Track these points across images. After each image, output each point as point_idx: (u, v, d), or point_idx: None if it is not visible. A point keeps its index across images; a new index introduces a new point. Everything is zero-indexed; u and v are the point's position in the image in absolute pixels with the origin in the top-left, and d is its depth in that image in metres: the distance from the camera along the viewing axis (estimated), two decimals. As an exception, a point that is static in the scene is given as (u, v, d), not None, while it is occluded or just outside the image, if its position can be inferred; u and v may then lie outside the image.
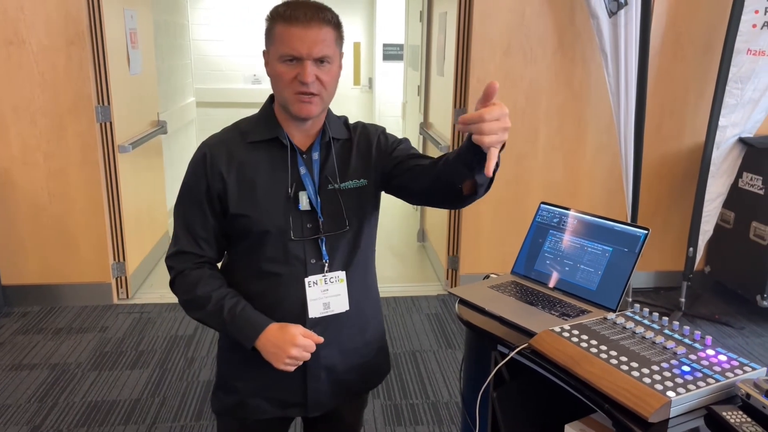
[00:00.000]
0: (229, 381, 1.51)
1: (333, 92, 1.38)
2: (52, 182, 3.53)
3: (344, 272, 1.44)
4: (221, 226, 1.43)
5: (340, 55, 1.38)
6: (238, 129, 1.45)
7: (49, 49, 3.36)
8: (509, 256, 3.85)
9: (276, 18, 1.32)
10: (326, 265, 1.42)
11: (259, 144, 1.41)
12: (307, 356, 1.33)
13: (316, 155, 1.42)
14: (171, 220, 5.04)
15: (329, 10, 1.34)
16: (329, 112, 1.47)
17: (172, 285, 1.45)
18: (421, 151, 5.17)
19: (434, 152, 4.32)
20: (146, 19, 4.26)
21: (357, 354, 1.52)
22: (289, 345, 1.31)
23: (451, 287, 4.04)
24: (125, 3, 3.78)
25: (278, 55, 1.31)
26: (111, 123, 3.52)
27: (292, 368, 1.33)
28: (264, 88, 8.07)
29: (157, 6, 4.89)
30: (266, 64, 1.39)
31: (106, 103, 3.49)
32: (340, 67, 1.38)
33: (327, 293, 1.42)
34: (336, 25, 1.34)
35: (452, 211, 3.90)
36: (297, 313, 1.40)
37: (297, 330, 1.33)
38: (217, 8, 7.76)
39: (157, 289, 3.97)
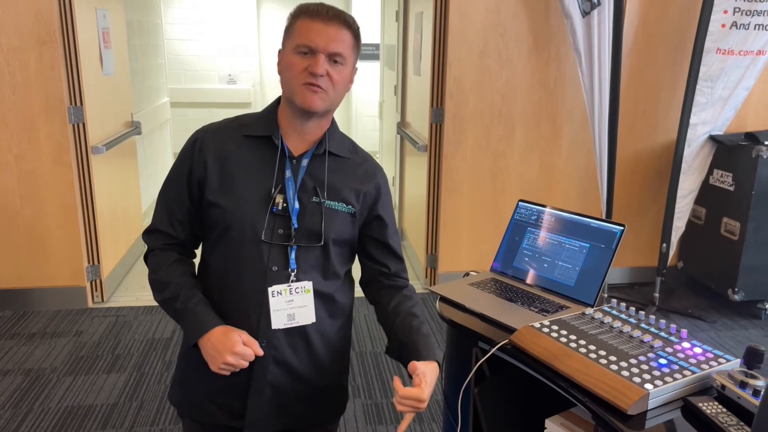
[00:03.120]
0: (185, 376, 1.49)
1: (341, 95, 1.37)
2: (24, 184, 3.46)
3: (311, 283, 1.39)
4: (197, 211, 1.42)
5: (354, 67, 1.38)
6: (238, 121, 1.44)
7: (20, 49, 3.30)
8: (487, 254, 3.87)
9: (299, 14, 1.33)
10: (292, 274, 1.37)
11: (253, 139, 1.40)
12: (244, 364, 1.30)
13: (305, 162, 1.39)
14: (146, 222, 4.97)
15: (352, 17, 1.35)
16: (334, 124, 1.45)
17: (146, 260, 1.46)
18: (398, 151, 5.10)
19: (412, 151, 4.34)
20: (119, 19, 4.20)
21: (308, 382, 1.45)
22: (227, 351, 1.28)
23: (430, 285, 4.05)
24: (97, 2, 3.72)
25: (294, 45, 1.31)
26: (84, 124, 3.46)
27: (227, 373, 1.31)
28: (240, 88, 8.01)
29: (130, 5, 4.82)
30: (279, 62, 1.37)
31: (78, 104, 3.44)
32: (351, 76, 1.38)
33: (292, 304, 1.38)
34: (355, 33, 1.35)
35: (430, 209, 3.93)
36: (253, 318, 1.37)
37: (239, 337, 1.30)
38: (191, 7, 7.68)
39: (132, 292, 3.91)
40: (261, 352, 1.32)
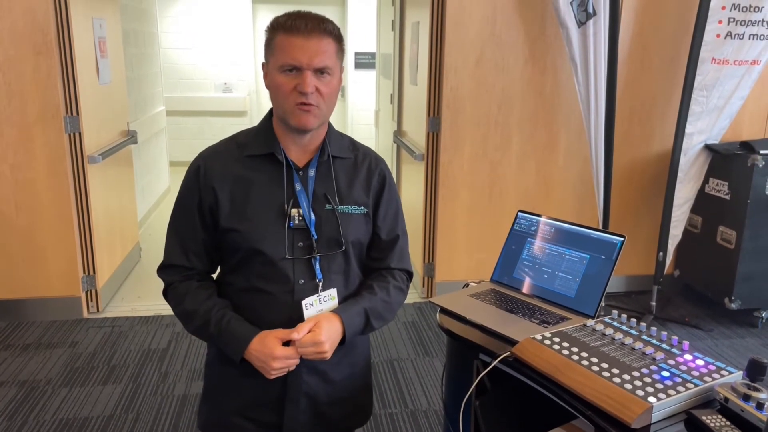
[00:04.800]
0: (213, 395, 1.49)
1: (333, 105, 1.36)
2: (20, 194, 3.45)
3: (335, 290, 1.41)
4: (212, 239, 1.41)
5: (341, 68, 1.37)
6: (235, 141, 1.42)
7: (16, 59, 3.29)
8: (484, 263, 3.88)
9: (277, 28, 1.30)
10: (320, 284, 1.39)
11: (255, 158, 1.39)
12: (293, 363, 1.32)
13: (312, 172, 1.39)
14: (142, 231, 4.93)
15: (331, 21, 1.32)
16: (330, 128, 1.44)
17: (165, 296, 1.44)
18: (395, 160, 5.07)
19: (409, 160, 4.34)
20: (115, 28, 4.20)
21: (341, 387, 1.48)
22: (270, 359, 1.30)
23: (427, 295, 4.05)
24: (94, 12, 3.72)
25: (278, 65, 1.29)
26: (80, 133, 3.45)
27: (283, 373, 1.34)
28: (236, 97, 8.02)
29: (126, 14, 4.83)
30: (265, 76, 1.36)
31: (75, 113, 3.43)
32: (340, 80, 1.37)
33: (322, 313, 1.39)
34: (337, 37, 1.33)
35: (427, 218, 3.92)
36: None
37: (274, 342, 1.31)
38: (187, 16, 7.69)
39: (128, 303, 3.89)
40: (298, 337, 1.30)
